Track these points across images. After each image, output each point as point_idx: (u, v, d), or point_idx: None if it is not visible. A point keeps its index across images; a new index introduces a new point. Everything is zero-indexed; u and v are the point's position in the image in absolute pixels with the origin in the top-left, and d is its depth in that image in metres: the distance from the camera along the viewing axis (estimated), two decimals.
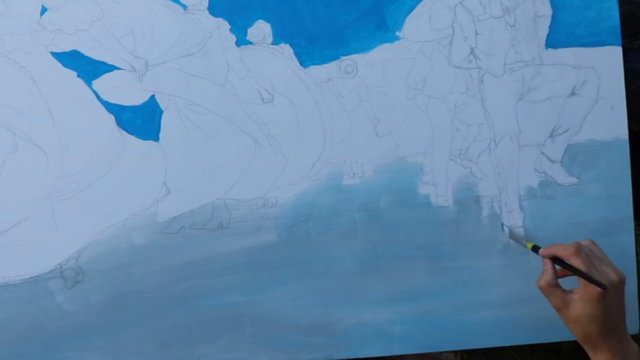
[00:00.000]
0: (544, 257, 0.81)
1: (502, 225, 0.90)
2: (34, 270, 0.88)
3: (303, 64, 0.90)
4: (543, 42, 0.91)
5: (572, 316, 0.76)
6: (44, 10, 0.87)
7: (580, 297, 0.75)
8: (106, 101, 0.88)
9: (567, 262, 0.78)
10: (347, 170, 0.91)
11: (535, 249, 0.84)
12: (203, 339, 0.91)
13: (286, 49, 0.89)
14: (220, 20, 0.89)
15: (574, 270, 0.76)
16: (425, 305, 0.92)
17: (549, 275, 0.78)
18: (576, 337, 0.77)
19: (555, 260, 0.79)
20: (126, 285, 0.89)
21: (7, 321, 0.88)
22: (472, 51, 0.91)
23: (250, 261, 0.90)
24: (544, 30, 0.91)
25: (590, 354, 0.77)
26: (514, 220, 0.91)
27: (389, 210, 0.91)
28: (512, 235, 0.89)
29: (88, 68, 0.88)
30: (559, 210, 0.91)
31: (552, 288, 0.77)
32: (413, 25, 0.90)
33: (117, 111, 0.88)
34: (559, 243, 0.80)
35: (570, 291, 0.77)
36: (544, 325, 0.92)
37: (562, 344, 1.07)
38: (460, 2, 0.91)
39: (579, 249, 0.77)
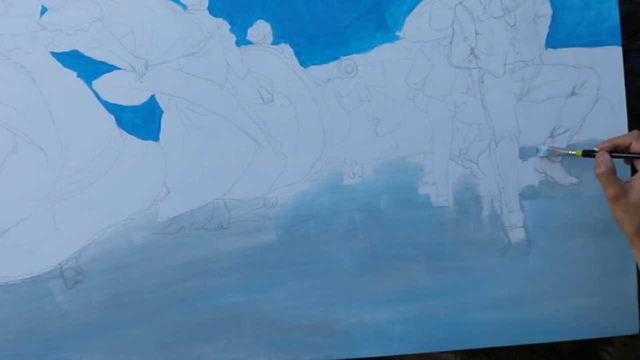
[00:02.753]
0: (601, 149, 0.81)
1: (537, 149, 0.90)
2: (34, 270, 0.88)
3: (303, 64, 0.90)
4: (543, 42, 0.91)
5: (631, 202, 0.74)
6: (44, 10, 0.87)
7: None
8: (106, 101, 0.88)
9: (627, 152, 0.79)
10: (347, 170, 0.91)
11: (587, 152, 0.83)
12: (203, 339, 0.91)
13: (286, 49, 0.89)
14: (220, 20, 0.89)
15: (629, 154, 0.78)
16: (425, 305, 0.92)
17: (608, 161, 0.78)
18: (627, 230, 0.76)
19: (612, 154, 0.80)
20: (126, 285, 0.89)
21: (7, 321, 0.88)
22: (472, 51, 0.91)
23: (250, 261, 0.90)
24: (544, 30, 0.91)
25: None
26: (515, 220, 0.91)
27: (389, 210, 0.91)
28: (553, 153, 0.88)
29: (88, 68, 0.88)
30: (559, 210, 0.91)
31: (612, 175, 0.76)
32: (413, 25, 0.90)
33: (117, 111, 0.88)
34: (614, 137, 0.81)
35: (628, 180, 0.77)
36: (544, 325, 0.92)
37: (562, 343, 1.07)
38: (460, 2, 0.91)
39: (639, 135, 0.78)
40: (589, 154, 0.83)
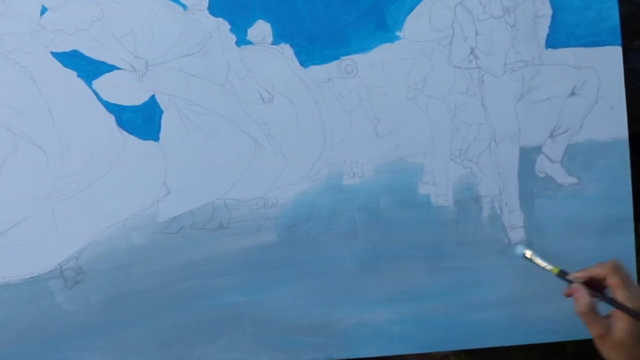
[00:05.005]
0: (576, 281, 0.73)
1: (516, 247, 0.83)
2: (34, 270, 0.88)
3: (303, 64, 0.90)
4: (543, 42, 0.91)
5: (617, 340, 0.69)
6: (44, 10, 0.87)
7: (622, 316, 0.69)
8: (106, 101, 0.88)
9: (604, 287, 0.72)
10: (347, 170, 0.91)
11: (563, 274, 0.75)
12: (203, 339, 0.91)
13: (286, 49, 0.89)
14: (220, 20, 0.89)
15: (609, 301, 0.71)
16: (425, 305, 0.92)
17: (587, 298, 0.71)
18: None
19: (587, 285, 0.72)
20: (126, 285, 0.89)
21: (7, 321, 0.88)
22: (472, 51, 0.91)
23: (250, 261, 0.90)
24: (544, 30, 0.91)
25: None
26: (515, 220, 0.91)
27: (389, 210, 0.91)
28: (532, 259, 0.80)
29: (88, 68, 0.88)
30: (559, 210, 0.91)
31: (594, 312, 0.70)
32: (413, 25, 0.90)
33: (117, 111, 0.88)
34: (590, 267, 0.73)
35: (608, 315, 0.71)
36: (544, 325, 0.92)
37: (567, 343, 1.07)
38: (460, 2, 0.91)
39: (615, 267, 0.71)
40: (563, 276, 0.75)
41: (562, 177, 0.91)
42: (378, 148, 0.91)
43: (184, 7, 0.88)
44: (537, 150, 0.91)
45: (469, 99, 0.91)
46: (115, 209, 0.89)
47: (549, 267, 0.78)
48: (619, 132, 0.91)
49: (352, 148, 0.90)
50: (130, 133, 0.88)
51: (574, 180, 0.91)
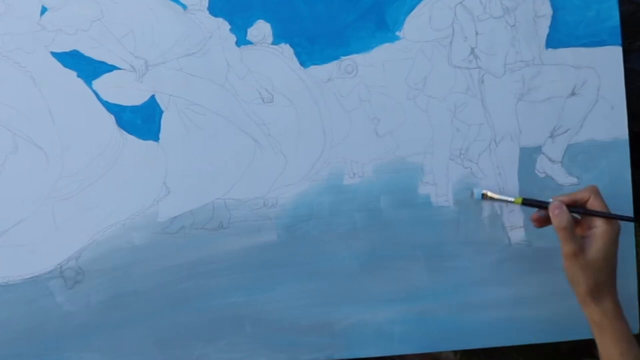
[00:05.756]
0: (560, 201, 0.75)
1: (473, 191, 0.85)
2: (34, 270, 0.88)
3: (303, 64, 0.90)
4: (543, 42, 0.91)
5: (588, 260, 0.71)
6: (44, 10, 0.87)
7: (601, 235, 0.71)
8: (106, 101, 0.88)
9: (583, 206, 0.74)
10: (347, 170, 0.91)
11: (527, 201, 0.76)
12: (203, 339, 0.91)
13: (286, 49, 0.89)
14: (220, 20, 0.89)
15: (593, 212, 0.72)
16: (425, 305, 0.92)
17: (567, 214, 0.73)
18: (581, 289, 0.72)
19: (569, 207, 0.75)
20: (126, 285, 0.89)
21: (7, 321, 0.88)
22: (472, 51, 0.91)
23: (250, 261, 0.90)
24: (544, 30, 0.91)
25: (594, 305, 0.72)
26: (515, 220, 0.91)
27: (389, 210, 0.91)
28: (492, 197, 0.80)
29: (88, 68, 0.88)
30: None
31: (572, 230, 0.72)
32: (413, 25, 0.90)
33: (117, 111, 0.88)
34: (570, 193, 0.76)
35: (583, 235, 0.73)
36: (544, 325, 0.92)
37: (562, 344, 1.07)
38: (461, 2, 0.91)
39: (597, 191, 0.73)
40: (528, 203, 0.76)
41: (562, 177, 0.91)
42: (378, 148, 0.91)
43: (184, 7, 0.88)
44: (537, 150, 0.91)
45: (469, 99, 0.91)
46: (115, 209, 0.89)
47: (510, 199, 0.78)
48: (619, 132, 0.91)
49: (352, 148, 0.90)
50: (130, 133, 0.88)
51: (574, 180, 0.91)
